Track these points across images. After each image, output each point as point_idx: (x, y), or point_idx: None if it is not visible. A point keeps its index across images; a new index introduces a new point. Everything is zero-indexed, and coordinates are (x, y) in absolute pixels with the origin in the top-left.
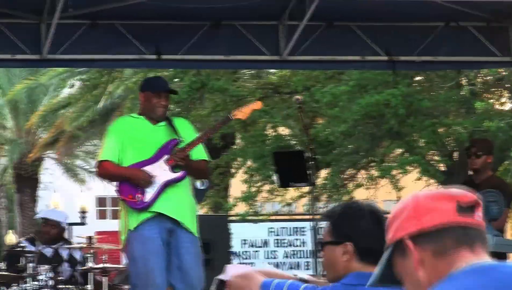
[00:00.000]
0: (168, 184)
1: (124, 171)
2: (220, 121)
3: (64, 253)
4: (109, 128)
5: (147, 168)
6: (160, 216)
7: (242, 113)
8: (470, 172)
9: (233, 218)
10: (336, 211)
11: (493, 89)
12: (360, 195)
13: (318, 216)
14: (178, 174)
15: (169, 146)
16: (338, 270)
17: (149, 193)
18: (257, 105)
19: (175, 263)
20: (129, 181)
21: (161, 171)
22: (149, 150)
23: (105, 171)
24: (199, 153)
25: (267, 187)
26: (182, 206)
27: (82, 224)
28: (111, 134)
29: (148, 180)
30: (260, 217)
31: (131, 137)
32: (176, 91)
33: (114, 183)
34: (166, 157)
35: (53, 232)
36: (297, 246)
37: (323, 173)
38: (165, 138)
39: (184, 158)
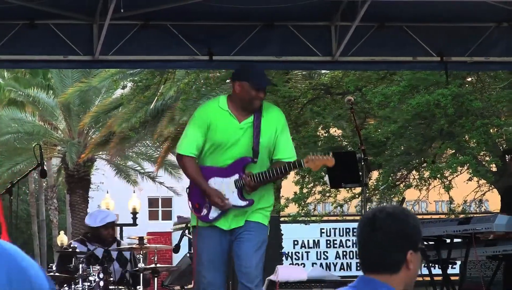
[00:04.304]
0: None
1: (201, 183)
2: (292, 165)
3: (115, 254)
4: (196, 113)
5: (218, 182)
6: None
7: (314, 164)
8: None
9: (285, 219)
10: None
11: None
12: (411, 196)
13: None
14: (245, 203)
15: (242, 164)
16: None
17: (215, 211)
18: (330, 162)
19: (234, 253)
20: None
21: (229, 193)
22: (226, 155)
23: (185, 169)
24: (286, 152)
25: (319, 188)
26: (248, 212)
27: (134, 225)
28: (197, 121)
29: (219, 206)
30: (312, 218)
31: (213, 133)
32: (275, 83)
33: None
34: (236, 177)
35: (112, 233)
36: (348, 247)
37: (375, 174)
38: (246, 144)
39: (251, 189)
